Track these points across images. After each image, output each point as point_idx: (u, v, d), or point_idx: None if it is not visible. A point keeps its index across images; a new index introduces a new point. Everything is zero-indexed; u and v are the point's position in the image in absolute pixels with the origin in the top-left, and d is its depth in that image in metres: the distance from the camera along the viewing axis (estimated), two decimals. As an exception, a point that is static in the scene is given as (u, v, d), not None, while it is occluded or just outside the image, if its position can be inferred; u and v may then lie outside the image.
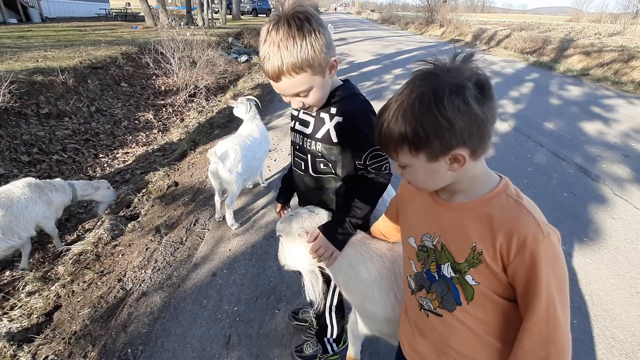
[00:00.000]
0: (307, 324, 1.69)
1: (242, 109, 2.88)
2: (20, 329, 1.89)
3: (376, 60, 9.85)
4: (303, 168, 1.09)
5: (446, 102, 0.59)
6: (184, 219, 2.66)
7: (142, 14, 16.44)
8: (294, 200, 1.31)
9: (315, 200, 1.11)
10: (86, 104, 5.40)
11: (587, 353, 1.61)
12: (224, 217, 2.54)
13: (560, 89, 6.95)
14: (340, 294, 1.29)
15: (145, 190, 3.25)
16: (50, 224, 2.45)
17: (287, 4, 0.84)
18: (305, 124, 1.04)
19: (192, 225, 2.58)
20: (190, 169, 3.55)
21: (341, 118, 0.97)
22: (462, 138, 0.61)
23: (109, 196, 2.88)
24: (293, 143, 1.11)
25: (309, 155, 1.05)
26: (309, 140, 1.03)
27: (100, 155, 4.52)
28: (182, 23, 13.72)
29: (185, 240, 2.43)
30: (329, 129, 0.99)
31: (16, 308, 2.10)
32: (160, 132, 5.42)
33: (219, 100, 6.55)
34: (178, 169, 3.63)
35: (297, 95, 0.90)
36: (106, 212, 2.94)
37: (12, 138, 4.05)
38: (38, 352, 1.72)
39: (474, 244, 0.66)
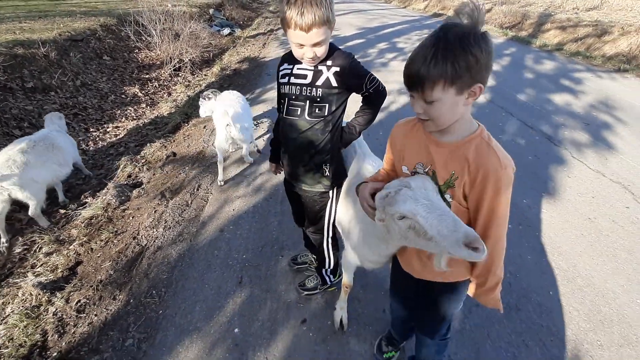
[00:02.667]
0: (307, 265, 1.99)
1: (207, 104, 3.16)
2: (47, 281, 2.10)
3: (361, 34, 9.86)
4: (298, 113, 1.32)
5: (474, 43, 0.78)
6: (187, 185, 2.87)
7: (114, -18, 15.49)
8: None
9: (305, 141, 1.35)
10: (71, 77, 5.33)
11: (539, 279, 1.98)
12: (225, 182, 2.77)
13: (535, 63, 7.28)
14: (334, 229, 1.57)
15: (144, 160, 3.40)
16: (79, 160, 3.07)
17: None
18: (302, 77, 1.28)
19: (195, 190, 2.79)
20: (186, 140, 3.71)
21: (338, 68, 1.25)
22: (481, 75, 0.82)
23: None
24: (287, 95, 1.34)
25: (307, 101, 1.29)
26: (308, 88, 1.27)
27: (92, 129, 4.57)
28: (159, -7, 13.09)
29: (191, 203, 2.65)
30: (328, 77, 1.25)
31: (37, 266, 2.30)
32: (148, 107, 5.45)
33: (205, 75, 6.54)
34: (174, 141, 3.77)
35: (315, 45, 1.16)
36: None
37: (1, 112, 4.05)
38: (70, 297, 1.95)
39: (453, 172, 0.91)
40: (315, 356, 1.56)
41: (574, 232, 2.35)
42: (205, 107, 3.20)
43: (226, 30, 9.62)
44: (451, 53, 0.78)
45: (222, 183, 2.82)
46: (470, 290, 1.09)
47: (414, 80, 0.85)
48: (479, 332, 1.67)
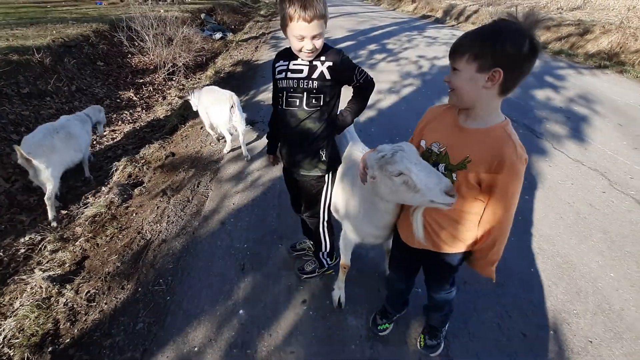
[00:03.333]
0: (305, 251, 2.11)
1: (194, 100, 3.61)
2: (56, 275, 2.18)
3: (351, 36, 10.05)
4: (297, 104, 1.45)
5: (507, 34, 0.91)
6: (187, 183, 2.97)
7: (103, -12, 15.51)
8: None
9: (303, 129, 1.48)
10: (66, 83, 5.39)
11: (522, 259, 2.13)
12: (223, 180, 2.88)
13: (520, 61, 7.52)
14: (329, 212, 1.70)
15: (143, 161, 3.49)
16: (88, 151, 3.36)
17: None
18: (298, 71, 1.41)
19: (195, 187, 2.90)
20: (184, 141, 3.81)
21: (331, 62, 1.38)
22: (505, 63, 0.92)
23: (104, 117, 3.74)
24: (285, 89, 1.46)
25: (304, 93, 1.42)
26: (305, 81, 1.40)
27: (89, 133, 4.62)
28: (149, -2, 13.15)
29: (192, 199, 2.75)
30: (322, 71, 1.39)
31: (43, 263, 2.38)
32: (144, 110, 5.53)
33: (198, 79, 6.64)
34: (172, 142, 3.87)
35: (314, 37, 1.30)
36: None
37: (-2, 118, 4.11)
38: (79, 288, 2.04)
39: (468, 156, 1.03)
40: (315, 332, 1.68)
41: (554, 215, 2.51)
42: (194, 100, 3.64)
43: (218, 35, 9.73)
44: (486, 36, 0.94)
45: (228, 151, 3.40)
46: (470, 261, 1.25)
47: (453, 47, 1.00)
48: (467, 306, 1.81)
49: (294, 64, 1.43)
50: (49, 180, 2.66)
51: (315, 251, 1.91)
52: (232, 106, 3.05)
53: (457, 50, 0.98)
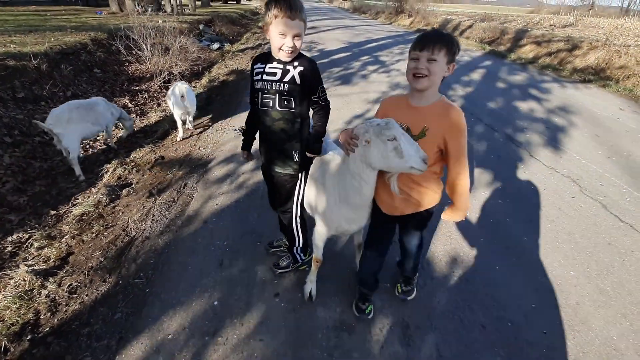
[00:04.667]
0: (281, 248, 2.20)
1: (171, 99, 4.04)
2: (40, 269, 2.25)
3: (346, 48, 10.32)
4: (271, 105, 1.56)
5: (455, 41, 1.30)
6: (174, 184, 3.07)
7: (105, -1, 15.86)
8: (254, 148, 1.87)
9: (277, 129, 1.59)
10: (61, 89, 5.51)
11: (488, 257, 2.22)
12: (208, 174, 2.98)
13: (507, 74, 7.76)
14: (302, 208, 1.80)
15: (133, 164, 3.59)
16: (112, 125, 3.95)
17: None
18: (273, 74, 1.53)
19: (182, 189, 3.00)
20: (174, 145, 3.92)
21: (302, 68, 1.50)
22: (454, 59, 1.31)
23: (131, 124, 4.42)
24: (260, 90, 1.57)
25: (276, 95, 1.53)
26: (277, 83, 1.52)
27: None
28: (149, 9, 13.46)
29: (178, 199, 2.85)
30: (293, 75, 1.50)
31: (29, 259, 2.45)
32: (138, 116, 5.64)
33: (194, 86, 6.79)
34: (162, 146, 3.98)
35: (295, 36, 1.43)
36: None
37: (-7, 121, 4.20)
38: (62, 281, 2.11)
39: (425, 126, 1.33)
40: (285, 322, 1.76)
41: (523, 218, 2.62)
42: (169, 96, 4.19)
43: (215, 45, 9.95)
44: (451, 38, 1.30)
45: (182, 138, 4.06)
46: (445, 214, 1.52)
47: (430, 43, 1.27)
48: (430, 299, 1.90)
49: (269, 67, 1.55)
50: (68, 145, 3.23)
51: (289, 247, 2.00)
52: (182, 95, 3.78)
53: (437, 44, 1.26)
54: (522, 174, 3.26)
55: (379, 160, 1.29)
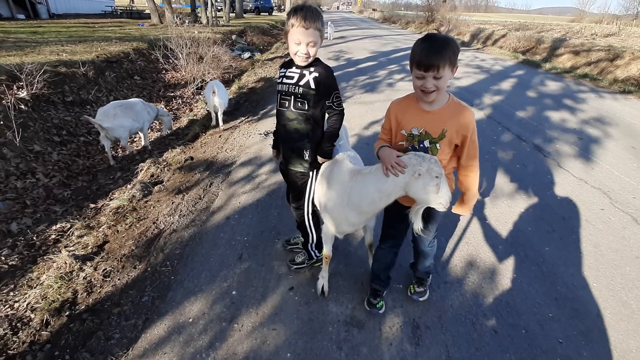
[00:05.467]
0: (298, 245, 2.28)
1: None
2: (79, 255, 2.47)
3: (373, 57, 10.41)
4: (287, 105, 1.68)
5: (453, 42, 1.31)
6: (201, 183, 3.25)
7: (147, 11, 17.01)
8: None
9: (291, 129, 1.70)
10: (105, 94, 5.98)
11: (506, 264, 2.19)
12: (232, 173, 3.13)
13: (540, 84, 7.52)
14: (313, 204, 1.87)
15: (165, 163, 3.83)
16: (147, 125, 4.46)
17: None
18: (291, 77, 1.65)
19: (208, 187, 3.17)
20: (203, 147, 4.14)
21: (317, 74, 1.60)
22: (457, 59, 1.34)
23: (170, 121, 5.11)
24: (280, 92, 1.70)
25: (292, 97, 1.64)
26: (294, 86, 1.63)
27: (121, 138, 5.09)
28: (187, 21, 14.26)
29: (203, 197, 3.01)
30: (309, 80, 1.61)
31: (70, 246, 2.68)
32: (172, 120, 5.99)
33: (224, 93, 7.12)
34: (192, 147, 4.21)
35: (309, 44, 1.54)
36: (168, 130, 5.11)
37: (44, 121, 4.63)
38: (98, 266, 2.30)
39: (444, 128, 1.41)
40: (298, 314, 1.83)
41: (546, 227, 2.55)
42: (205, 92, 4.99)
43: (246, 54, 10.37)
44: (450, 46, 1.30)
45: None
46: (455, 207, 1.60)
47: (434, 63, 1.30)
48: (443, 302, 1.91)
49: (289, 71, 1.68)
50: (119, 135, 3.91)
51: (304, 244, 2.08)
52: (213, 91, 4.42)
53: (440, 62, 1.29)
54: (548, 184, 3.17)
55: (418, 191, 1.37)
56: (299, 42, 1.53)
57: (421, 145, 1.46)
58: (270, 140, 4.02)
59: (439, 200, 1.35)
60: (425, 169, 1.34)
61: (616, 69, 9.21)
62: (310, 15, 1.50)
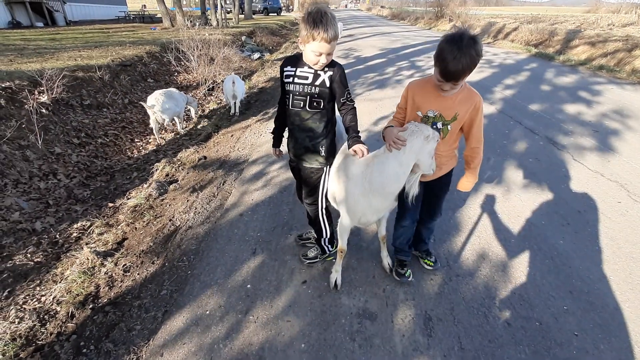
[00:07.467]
0: (310, 240, 2.32)
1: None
2: (100, 251, 2.57)
3: (382, 54, 10.36)
4: (301, 106, 1.70)
5: (475, 44, 1.36)
6: (214, 181, 3.32)
7: (158, 15, 17.33)
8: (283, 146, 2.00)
9: (306, 127, 1.73)
10: (120, 96, 6.14)
11: (521, 259, 2.18)
12: (245, 172, 3.19)
13: (554, 77, 7.36)
14: (327, 199, 1.91)
15: (179, 162, 3.92)
16: (183, 110, 5.30)
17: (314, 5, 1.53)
18: (304, 77, 1.66)
19: (221, 185, 3.24)
20: (215, 147, 4.22)
21: (331, 73, 1.62)
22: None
23: (196, 105, 5.86)
24: (292, 92, 1.71)
25: (307, 96, 1.67)
26: (309, 86, 1.65)
27: (136, 140, 5.23)
28: (197, 24, 14.47)
29: (217, 194, 3.08)
30: (324, 79, 1.63)
31: (91, 243, 2.79)
32: (185, 121, 6.11)
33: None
34: (205, 147, 4.30)
35: (329, 54, 1.56)
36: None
37: (64, 124, 4.80)
38: (118, 262, 2.39)
39: (457, 112, 1.56)
40: (312, 307, 1.87)
41: (560, 221, 2.52)
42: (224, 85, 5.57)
43: (256, 55, 10.46)
44: (473, 63, 1.38)
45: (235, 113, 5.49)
46: (458, 185, 1.79)
47: (455, 77, 1.40)
48: (455, 294, 1.91)
49: (300, 71, 1.68)
50: (168, 115, 4.79)
51: (317, 239, 2.12)
52: (233, 82, 5.14)
53: (460, 77, 1.42)
54: (563, 177, 3.12)
55: (424, 155, 1.53)
56: (319, 54, 1.54)
57: (434, 126, 1.61)
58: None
59: (433, 166, 1.59)
60: (431, 133, 1.52)
61: (635, 60, 8.91)
62: (331, 28, 1.48)
